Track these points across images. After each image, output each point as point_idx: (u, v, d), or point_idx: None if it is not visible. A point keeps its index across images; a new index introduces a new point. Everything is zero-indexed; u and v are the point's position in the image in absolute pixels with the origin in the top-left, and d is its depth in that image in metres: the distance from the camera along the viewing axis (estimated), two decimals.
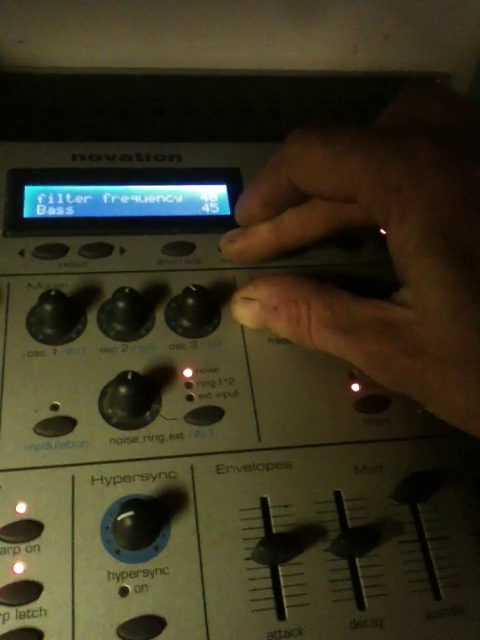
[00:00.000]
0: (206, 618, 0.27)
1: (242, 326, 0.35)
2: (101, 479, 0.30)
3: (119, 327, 0.33)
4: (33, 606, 0.27)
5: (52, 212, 0.37)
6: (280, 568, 0.29)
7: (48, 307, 0.32)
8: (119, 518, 0.27)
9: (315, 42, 0.53)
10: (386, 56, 0.54)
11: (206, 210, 0.38)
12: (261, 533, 0.29)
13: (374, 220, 0.28)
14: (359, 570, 0.29)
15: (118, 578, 0.28)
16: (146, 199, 0.38)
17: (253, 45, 0.51)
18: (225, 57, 0.50)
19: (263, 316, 0.33)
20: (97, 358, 0.33)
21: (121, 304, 0.33)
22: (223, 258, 0.37)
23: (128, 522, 0.27)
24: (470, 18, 0.53)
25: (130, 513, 0.27)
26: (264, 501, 0.30)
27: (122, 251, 0.36)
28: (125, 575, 0.28)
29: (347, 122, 0.32)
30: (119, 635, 0.27)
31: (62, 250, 0.36)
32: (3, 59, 0.48)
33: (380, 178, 0.27)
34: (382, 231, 0.29)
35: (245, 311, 0.34)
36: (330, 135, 0.30)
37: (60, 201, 0.37)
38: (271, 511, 0.30)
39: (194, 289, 0.33)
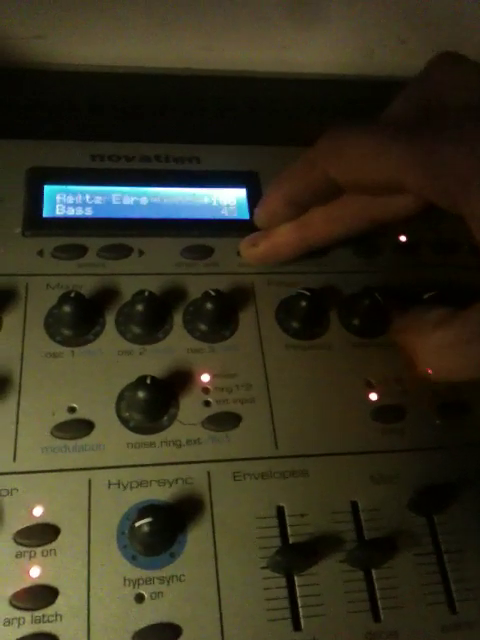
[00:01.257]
0: (222, 627, 0.27)
1: (259, 332, 0.34)
2: (118, 483, 0.30)
3: (137, 330, 0.33)
4: (49, 611, 0.27)
5: (71, 212, 0.36)
6: (296, 578, 0.29)
7: (67, 308, 0.32)
8: (137, 524, 0.27)
9: (332, 45, 0.53)
10: (403, 60, 0.54)
11: (225, 213, 0.38)
12: (277, 542, 0.29)
13: (430, 201, 0.29)
14: (375, 582, 0.29)
15: (134, 584, 0.28)
16: (165, 201, 0.38)
17: (271, 48, 0.51)
18: (244, 59, 0.50)
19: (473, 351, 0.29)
20: (115, 360, 0.33)
21: (140, 307, 0.33)
22: (242, 262, 0.36)
23: (145, 528, 0.27)
24: None
25: (148, 520, 0.27)
26: (280, 509, 0.30)
27: (141, 253, 0.36)
28: (141, 581, 0.28)
29: (377, 119, 0.32)
30: None
31: (81, 251, 0.35)
32: (21, 55, 0.48)
33: (429, 160, 0.27)
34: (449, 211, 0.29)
35: (458, 360, 0.29)
36: (367, 127, 0.30)
37: (79, 201, 0.37)
38: (287, 520, 0.30)
39: (213, 293, 0.33)
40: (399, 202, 0.33)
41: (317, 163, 0.32)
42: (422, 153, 0.28)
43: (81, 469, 0.30)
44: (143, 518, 0.27)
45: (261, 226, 0.36)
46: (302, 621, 0.28)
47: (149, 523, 0.27)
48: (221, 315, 0.34)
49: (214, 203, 0.38)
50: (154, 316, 0.33)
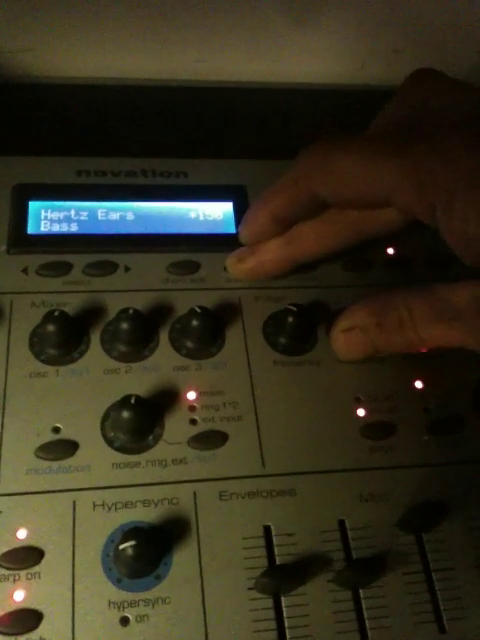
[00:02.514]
0: None
1: (246, 348, 0.34)
2: (103, 505, 0.29)
3: (123, 348, 0.33)
4: (33, 636, 0.26)
5: (56, 228, 0.36)
6: (283, 599, 0.28)
7: (51, 327, 0.32)
8: (120, 547, 0.27)
9: (323, 55, 0.53)
10: (395, 70, 0.54)
11: (212, 228, 0.38)
12: (264, 562, 0.29)
13: (417, 218, 0.29)
14: (363, 601, 0.29)
15: (119, 607, 0.27)
16: (151, 216, 0.38)
17: (260, 57, 0.51)
18: (232, 69, 0.50)
19: (368, 339, 0.32)
20: (100, 379, 0.32)
21: (125, 325, 0.32)
22: (229, 277, 0.36)
23: (130, 551, 0.27)
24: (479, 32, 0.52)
25: (132, 543, 0.27)
26: (267, 529, 0.30)
27: (127, 269, 0.36)
28: (126, 604, 0.27)
29: (364, 133, 0.32)
30: None
31: (66, 268, 0.35)
32: (7, 68, 0.48)
33: (417, 177, 0.28)
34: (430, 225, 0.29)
35: (349, 342, 0.33)
36: (354, 142, 0.30)
37: (64, 217, 0.37)
38: (275, 540, 0.29)
39: (199, 310, 0.33)
40: (387, 216, 0.33)
41: (303, 180, 0.32)
42: (409, 169, 0.28)
43: (65, 491, 0.29)
44: (127, 541, 0.27)
45: (246, 243, 0.35)
46: None
47: (133, 546, 0.27)
48: (208, 332, 0.34)
49: (201, 217, 0.38)
50: (139, 334, 0.33)
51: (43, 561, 0.28)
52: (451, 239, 0.28)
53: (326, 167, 0.31)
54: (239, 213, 0.38)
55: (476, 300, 0.28)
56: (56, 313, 0.32)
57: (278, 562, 0.29)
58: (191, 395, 0.32)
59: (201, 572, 0.28)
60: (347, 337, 0.33)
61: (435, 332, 0.30)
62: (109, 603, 0.27)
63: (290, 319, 0.34)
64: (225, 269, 0.36)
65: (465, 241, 0.28)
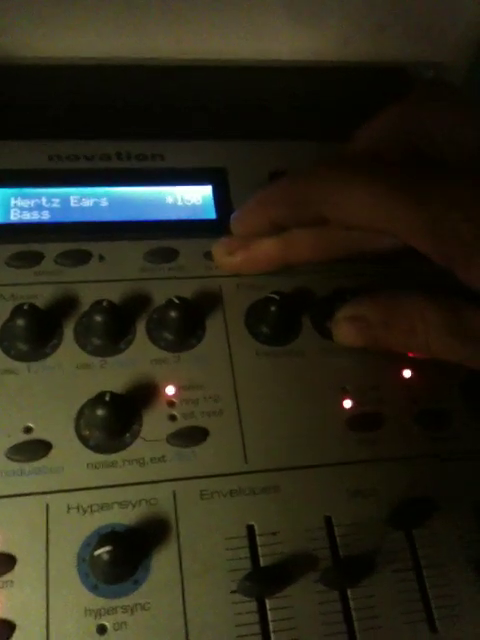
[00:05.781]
0: None
1: (228, 339, 0.33)
2: (77, 507, 0.28)
3: (97, 341, 0.32)
4: None
5: (27, 217, 0.35)
6: (268, 601, 0.27)
7: (21, 322, 0.30)
8: (95, 553, 0.25)
9: (306, 32, 0.51)
10: (379, 46, 0.52)
11: (191, 213, 0.36)
12: (248, 563, 0.28)
13: (432, 260, 0.29)
14: (351, 602, 0.28)
15: (96, 615, 0.26)
16: (126, 202, 0.36)
17: (241, 35, 0.49)
18: (212, 48, 0.48)
19: (371, 332, 0.31)
20: (74, 375, 0.31)
21: (99, 318, 0.31)
22: (210, 265, 0.35)
23: (105, 557, 0.25)
24: (466, 8, 0.51)
25: (107, 548, 0.25)
26: (251, 528, 0.28)
27: (101, 258, 0.34)
28: (103, 611, 0.26)
29: (372, 159, 0.32)
30: None
31: (37, 258, 0.33)
32: None
33: (435, 230, 0.27)
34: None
35: (351, 330, 0.32)
36: (370, 174, 0.29)
37: (35, 205, 0.35)
38: (258, 539, 0.28)
39: (177, 301, 0.31)
40: (389, 240, 0.32)
41: (309, 203, 0.31)
42: (428, 219, 0.27)
43: (38, 493, 0.28)
44: (102, 546, 0.25)
45: (237, 235, 0.34)
46: None
47: (109, 551, 0.25)
48: (187, 323, 0.32)
49: (179, 202, 0.37)
50: (115, 326, 0.32)
51: (15, 568, 0.26)
52: (471, 284, 0.28)
53: (333, 197, 0.30)
54: (219, 197, 0.37)
55: None
56: (25, 306, 0.30)
57: (262, 562, 0.28)
58: (170, 390, 0.31)
59: (182, 575, 0.27)
60: (349, 325, 0.32)
61: (446, 346, 0.30)
62: (85, 611, 0.26)
63: (272, 308, 0.32)
64: (205, 256, 0.35)
65: None
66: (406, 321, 0.30)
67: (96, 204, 0.36)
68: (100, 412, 0.28)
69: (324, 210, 0.30)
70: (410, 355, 0.33)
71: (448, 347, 0.30)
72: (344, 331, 0.32)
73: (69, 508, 0.28)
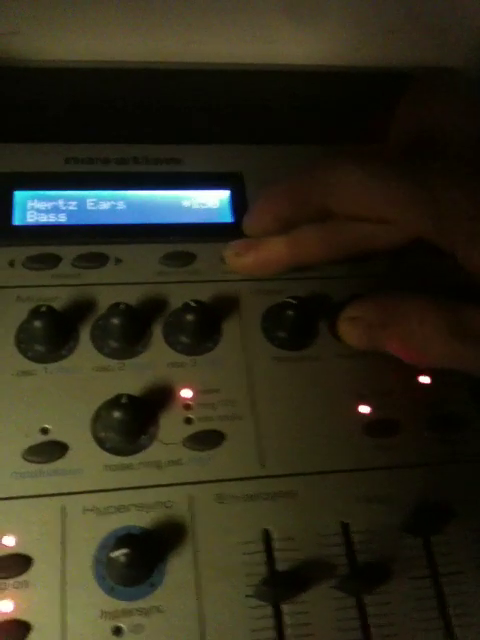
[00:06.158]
0: None
1: (244, 343, 0.33)
2: (93, 509, 0.28)
3: (114, 344, 0.32)
4: None
5: (44, 219, 0.35)
6: (284, 606, 0.27)
7: (38, 324, 0.30)
8: (112, 555, 0.25)
9: (318, 36, 0.51)
10: (391, 51, 0.52)
11: (207, 217, 0.36)
12: (264, 568, 0.27)
13: (435, 245, 0.29)
14: (367, 608, 0.27)
15: (112, 617, 0.26)
16: (143, 205, 0.36)
17: (254, 39, 0.49)
18: (224, 52, 0.48)
19: (370, 334, 0.32)
20: (91, 377, 0.31)
21: (116, 320, 0.31)
22: (226, 269, 0.35)
23: (122, 560, 0.25)
24: (476, 13, 0.51)
25: (124, 550, 0.25)
26: (267, 533, 0.28)
27: (118, 261, 0.34)
28: (119, 614, 0.26)
29: (377, 154, 0.32)
30: None
31: (54, 260, 0.34)
32: None
33: (436, 210, 0.27)
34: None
35: (351, 331, 0.32)
36: (371, 164, 0.30)
37: (52, 207, 0.35)
38: (274, 544, 0.28)
39: (194, 305, 0.31)
40: (396, 233, 0.32)
41: (315, 197, 0.31)
42: (429, 201, 0.28)
43: (55, 495, 0.28)
44: (119, 548, 0.25)
45: (248, 235, 0.34)
46: None
47: (126, 554, 0.25)
48: (203, 327, 0.32)
49: (196, 206, 0.37)
50: (132, 329, 0.32)
51: (32, 569, 0.26)
52: (472, 268, 0.28)
53: (340, 190, 0.30)
54: (236, 201, 0.37)
55: None
56: (43, 308, 0.30)
57: (278, 568, 0.28)
58: (186, 393, 0.31)
59: (198, 579, 0.27)
60: (349, 325, 0.32)
61: (444, 349, 0.30)
62: (102, 613, 0.26)
63: (289, 312, 0.32)
64: (222, 260, 0.35)
65: None
66: (405, 324, 0.30)
67: (113, 207, 0.36)
68: (117, 414, 0.28)
69: (329, 202, 0.30)
70: (406, 360, 0.32)
71: (448, 347, 0.29)
72: (345, 331, 0.33)
73: (85, 510, 0.28)
